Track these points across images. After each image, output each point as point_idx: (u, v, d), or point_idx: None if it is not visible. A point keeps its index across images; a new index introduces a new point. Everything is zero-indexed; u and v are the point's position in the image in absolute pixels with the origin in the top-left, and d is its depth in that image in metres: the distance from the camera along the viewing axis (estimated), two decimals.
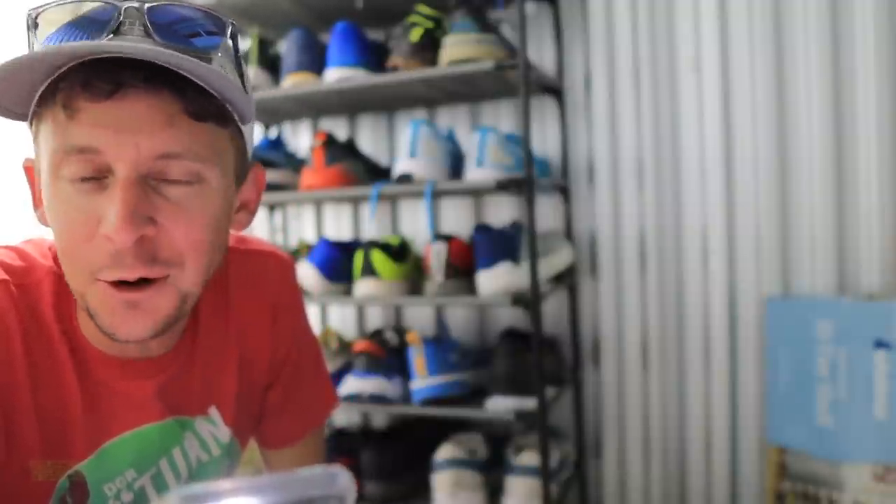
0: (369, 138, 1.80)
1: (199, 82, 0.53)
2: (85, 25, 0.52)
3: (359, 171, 1.50)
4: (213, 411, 0.71)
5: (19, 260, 0.62)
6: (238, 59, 0.59)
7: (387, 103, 1.70)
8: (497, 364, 1.37)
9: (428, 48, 1.38)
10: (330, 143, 1.47)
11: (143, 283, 0.55)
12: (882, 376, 1.27)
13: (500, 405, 1.34)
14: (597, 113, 1.60)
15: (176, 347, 0.67)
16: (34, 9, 0.54)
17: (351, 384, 1.41)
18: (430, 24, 1.39)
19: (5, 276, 0.60)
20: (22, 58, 0.49)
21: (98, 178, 0.53)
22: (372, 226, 1.77)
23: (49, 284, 0.61)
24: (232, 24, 0.58)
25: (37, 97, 0.54)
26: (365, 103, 1.69)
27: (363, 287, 1.40)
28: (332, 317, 1.86)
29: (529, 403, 1.32)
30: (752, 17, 1.46)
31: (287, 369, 0.79)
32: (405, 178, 1.38)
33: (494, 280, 1.32)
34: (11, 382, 0.58)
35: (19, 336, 0.58)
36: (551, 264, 1.45)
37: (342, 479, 0.29)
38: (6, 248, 0.63)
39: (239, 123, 0.60)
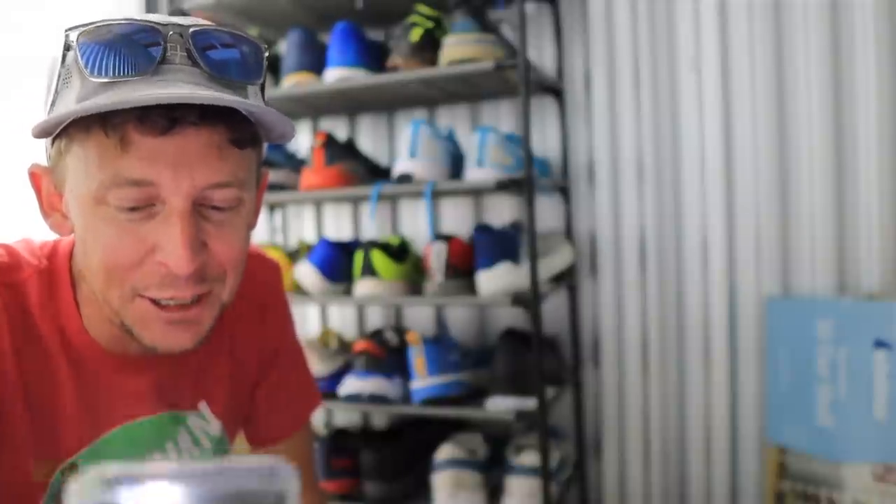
0: (369, 138, 1.80)
1: (245, 113, 0.56)
2: (129, 49, 0.53)
3: (359, 171, 1.50)
4: (204, 406, 0.73)
5: (7, 257, 0.62)
6: (265, 80, 0.61)
7: (387, 103, 1.70)
8: (497, 364, 1.37)
9: (428, 48, 1.38)
10: (330, 143, 1.47)
11: (189, 303, 0.58)
12: (882, 376, 1.27)
13: (500, 405, 1.34)
14: (597, 113, 1.60)
15: None
16: (71, 28, 0.54)
17: (351, 384, 1.41)
18: (430, 24, 1.39)
19: None
20: (88, 105, 0.51)
21: (147, 207, 0.55)
22: (372, 226, 1.77)
23: (36, 282, 0.62)
24: (266, 47, 0.61)
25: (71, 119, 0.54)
26: (365, 103, 1.69)
27: (363, 287, 1.40)
28: (332, 317, 1.86)
29: (529, 403, 1.32)
30: (752, 17, 1.46)
31: (275, 369, 0.81)
32: (405, 178, 1.38)
33: (494, 280, 1.32)
34: (1, 380, 0.58)
35: (7, 332, 0.59)
36: (551, 264, 1.45)
37: (284, 473, 0.27)
38: None
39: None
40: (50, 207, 0.61)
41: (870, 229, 1.39)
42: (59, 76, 0.55)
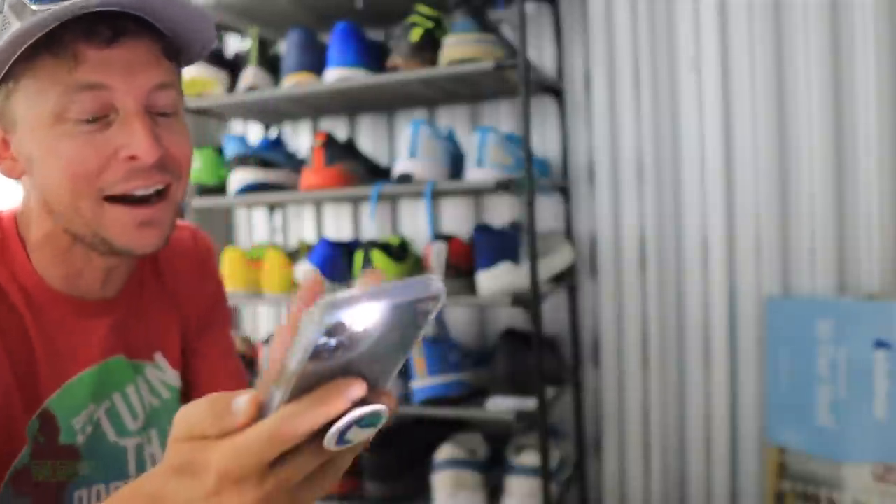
0: (369, 138, 1.80)
1: (167, 28, 0.63)
2: None
3: (359, 171, 1.50)
4: (159, 357, 0.77)
5: None
6: None
7: (387, 103, 1.70)
8: (497, 364, 1.37)
9: (428, 48, 1.38)
10: (330, 143, 1.47)
11: (153, 197, 0.63)
12: (882, 376, 1.27)
13: (500, 405, 1.34)
14: (597, 113, 1.60)
15: (124, 292, 0.73)
16: None
17: None
18: (430, 24, 1.39)
19: None
20: (38, 19, 0.56)
21: (102, 118, 0.61)
22: (372, 226, 1.77)
23: None
24: None
25: (18, 54, 0.59)
26: (365, 103, 1.69)
27: None
28: None
29: (529, 403, 1.32)
30: (752, 17, 1.46)
31: (216, 326, 0.85)
32: (405, 178, 1.38)
33: (494, 280, 1.32)
34: None
35: None
36: (551, 264, 1.45)
37: (436, 282, 0.36)
38: None
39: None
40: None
41: (870, 229, 1.39)
42: None
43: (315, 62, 1.48)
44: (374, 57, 1.46)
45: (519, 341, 1.40)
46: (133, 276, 0.74)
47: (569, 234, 1.61)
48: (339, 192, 1.45)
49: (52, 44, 0.58)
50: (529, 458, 1.35)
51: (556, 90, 1.59)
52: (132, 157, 0.61)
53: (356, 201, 1.83)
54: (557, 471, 1.41)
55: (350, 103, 1.67)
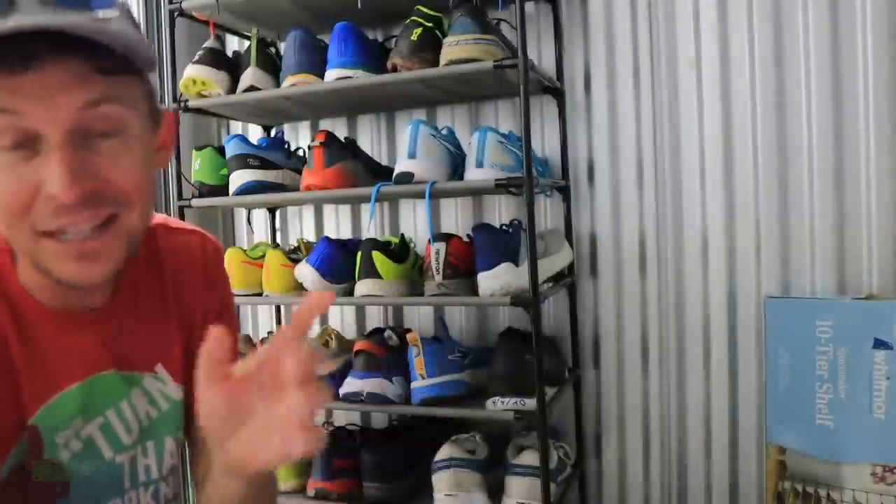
0: (369, 138, 1.80)
1: (104, 42, 0.55)
2: None
3: (358, 171, 1.50)
4: (160, 369, 0.74)
5: None
6: (128, 9, 0.61)
7: (387, 103, 1.70)
8: (497, 364, 1.37)
9: (428, 48, 1.38)
10: (330, 143, 1.47)
11: (93, 231, 0.58)
12: (881, 376, 1.27)
13: (499, 405, 1.34)
14: (597, 113, 1.60)
15: (117, 300, 0.70)
16: None
17: (351, 384, 1.41)
18: (429, 24, 1.39)
19: None
20: None
21: (27, 146, 0.55)
22: (372, 226, 1.77)
23: None
24: None
25: None
26: (365, 103, 1.68)
27: (363, 287, 1.40)
28: (331, 316, 1.86)
29: (529, 403, 1.32)
30: (752, 17, 1.46)
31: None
32: (405, 179, 1.38)
33: (494, 280, 1.32)
34: None
35: None
36: (551, 264, 1.45)
37: None
38: None
39: (144, 70, 0.63)
40: None
41: (870, 229, 1.39)
42: None
43: (315, 62, 1.48)
44: (373, 57, 1.46)
45: (519, 341, 1.40)
46: (127, 285, 0.71)
47: (568, 233, 1.61)
48: (338, 192, 1.45)
49: None
50: (529, 458, 1.35)
51: (556, 90, 1.59)
52: (52, 196, 0.55)
53: (356, 201, 1.83)
54: (557, 471, 1.41)
55: (350, 103, 1.67)
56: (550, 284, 1.48)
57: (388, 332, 1.52)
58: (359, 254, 1.43)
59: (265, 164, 1.52)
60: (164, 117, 0.69)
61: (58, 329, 0.65)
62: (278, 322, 1.92)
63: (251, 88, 1.51)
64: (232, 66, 1.59)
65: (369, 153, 1.68)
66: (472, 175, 1.36)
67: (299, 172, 1.53)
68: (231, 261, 1.56)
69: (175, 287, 0.76)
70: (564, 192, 1.61)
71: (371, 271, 1.40)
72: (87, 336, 0.67)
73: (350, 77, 1.42)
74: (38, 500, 0.64)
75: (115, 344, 0.70)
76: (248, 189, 1.50)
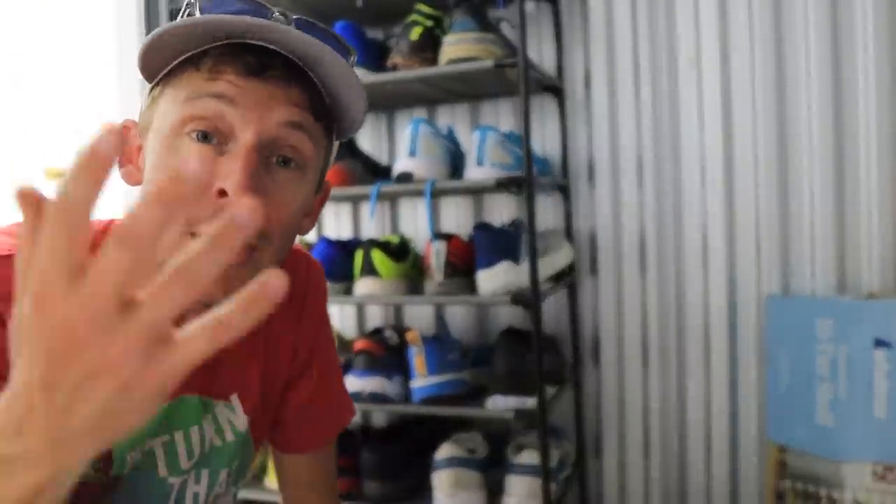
0: (369, 137, 1.80)
1: (322, 87, 0.60)
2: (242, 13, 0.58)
3: (358, 170, 1.50)
4: (235, 399, 0.72)
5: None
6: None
7: (387, 102, 1.70)
8: (497, 363, 1.37)
9: (428, 47, 1.38)
10: None
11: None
12: (882, 375, 1.27)
13: (500, 404, 1.34)
14: (597, 112, 1.60)
15: None
16: (191, 3, 0.61)
17: (351, 383, 1.41)
18: (429, 23, 1.39)
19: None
20: (199, 20, 0.56)
21: (218, 142, 0.57)
22: (372, 225, 1.77)
23: None
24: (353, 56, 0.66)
25: (176, 62, 0.59)
26: None
27: (363, 286, 1.40)
28: (332, 316, 1.86)
29: (529, 402, 1.32)
30: (752, 16, 1.46)
31: (307, 378, 0.79)
32: (405, 178, 1.38)
33: (494, 279, 1.32)
34: None
35: None
36: (551, 263, 1.45)
37: None
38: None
39: (335, 135, 0.66)
40: (126, 159, 0.64)
41: (870, 229, 1.39)
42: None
43: None
44: (373, 56, 1.46)
45: (519, 340, 1.40)
46: None
47: (569, 232, 1.61)
48: (338, 191, 1.45)
49: (199, 58, 0.58)
50: (529, 457, 1.35)
51: (555, 89, 1.59)
52: (221, 192, 0.54)
53: (356, 200, 1.82)
54: (557, 470, 1.41)
55: None
56: (551, 284, 1.48)
57: (388, 332, 1.52)
58: (358, 253, 1.43)
59: None
60: (325, 188, 0.69)
61: None
62: None
63: None
64: None
65: (370, 152, 1.68)
66: (473, 174, 1.36)
67: None
68: None
69: (265, 321, 0.73)
70: (564, 191, 1.61)
71: (371, 270, 1.40)
72: None
73: None
74: (81, 497, 0.63)
75: (204, 367, 0.67)
76: None
